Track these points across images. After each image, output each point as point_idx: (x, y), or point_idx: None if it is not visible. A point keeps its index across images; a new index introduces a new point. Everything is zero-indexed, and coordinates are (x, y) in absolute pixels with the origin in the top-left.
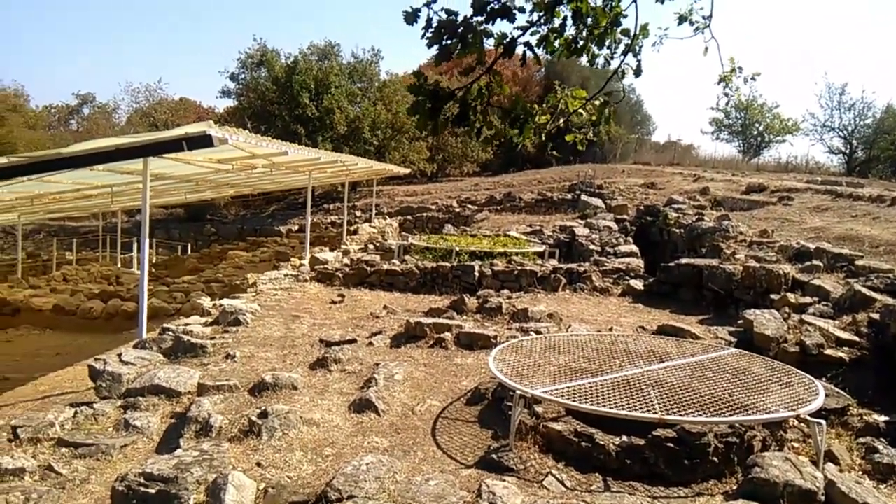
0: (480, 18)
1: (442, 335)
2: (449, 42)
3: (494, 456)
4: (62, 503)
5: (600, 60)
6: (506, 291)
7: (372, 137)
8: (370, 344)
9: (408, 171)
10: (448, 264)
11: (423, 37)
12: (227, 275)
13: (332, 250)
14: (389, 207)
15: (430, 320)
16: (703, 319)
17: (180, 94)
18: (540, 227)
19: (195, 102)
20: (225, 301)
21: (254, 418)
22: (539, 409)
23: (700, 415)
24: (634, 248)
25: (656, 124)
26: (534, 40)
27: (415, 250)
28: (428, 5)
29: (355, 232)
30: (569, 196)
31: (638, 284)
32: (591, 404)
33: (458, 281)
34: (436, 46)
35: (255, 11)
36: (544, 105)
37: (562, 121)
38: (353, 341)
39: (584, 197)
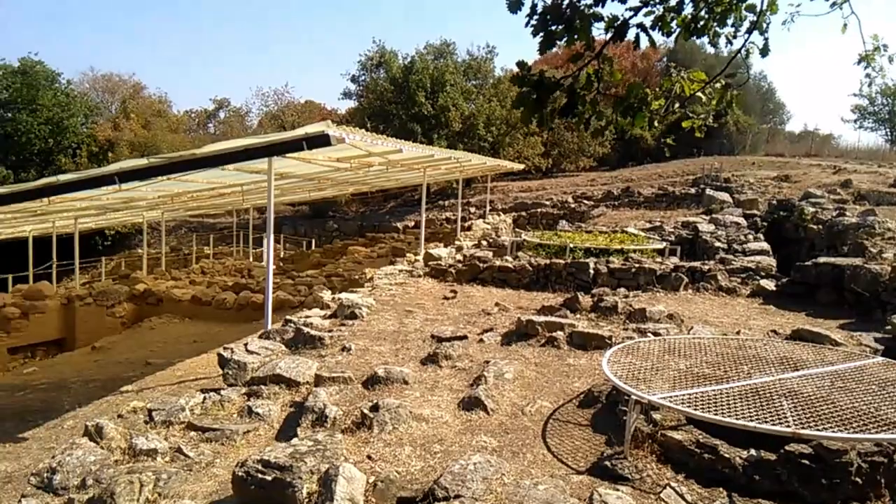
0: (589, 1)
1: (554, 334)
2: (554, 28)
3: (608, 463)
4: (189, 484)
5: (722, 40)
6: (622, 290)
7: (486, 134)
8: (481, 341)
9: (522, 166)
10: (562, 261)
11: (527, 24)
12: (347, 269)
13: (446, 246)
14: (503, 203)
15: (542, 318)
16: (843, 324)
17: (306, 97)
18: (660, 224)
19: (319, 104)
20: (343, 295)
21: (366, 411)
22: (657, 415)
23: (840, 430)
24: (765, 245)
25: (790, 113)
26: (648, 21)
27: (528, 247)
28: None
29: (469, 228)
30: (692, 190)
31: (769, 285)
32: (716, 414)
33: (571, 278)
34: (541, 35)
35: (374, 14)
36: (657, 89)
37: (677, 106)
38: (464, 338)
39: (709, 191)
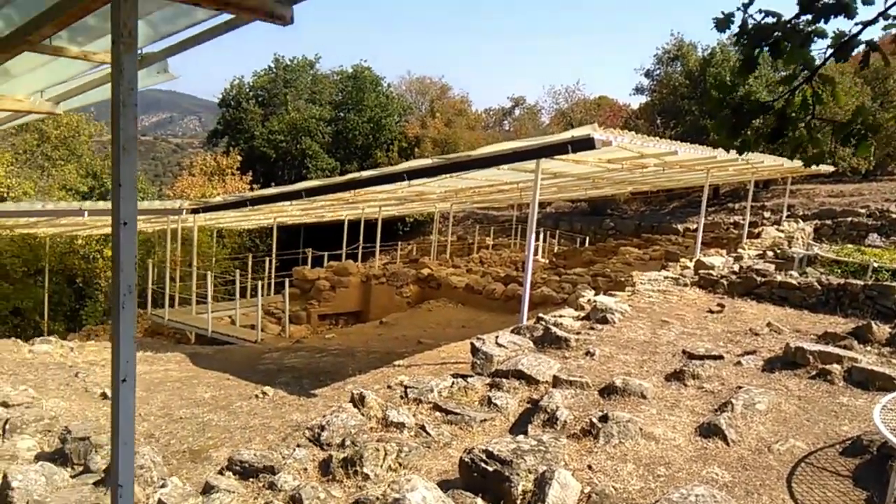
0: (808, 17)
1: (828, 366)
2: (767, 49)
3: None
4: (426, 460)
5: None
6: None
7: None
8: (738, 363)
9: (831, 168)
10: (860, 282)
11: (736, 43)
12: (615, 270)
13: (728, 253)
14: (805, 209)
15: (815, 347)
16: None
17: (599, 92)
18: None
19: (611, 100)
20: (599, 297)
21: (595, 420)
22: None
23: None
24: None
25: None
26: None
27: (821, 262)
28: (743, 8)
29: (758, 235)
30: None
31: None
32: None
33: (870, 303)
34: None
35: (680, 8)
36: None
37: None
38: (720, 357)
39: None
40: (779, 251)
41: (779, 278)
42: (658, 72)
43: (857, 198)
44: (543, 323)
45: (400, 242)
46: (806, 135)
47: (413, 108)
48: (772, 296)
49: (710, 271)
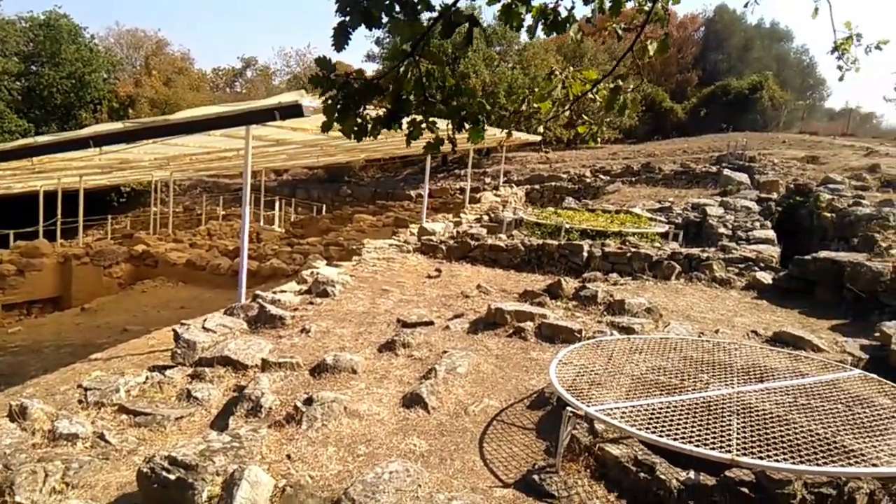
0: None
1: (523, 324)
2: (362, 18)
3: (536, 477)
4: (102, 474)
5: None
6: (614, 275)
7: (507, 103)
8: (446, 328)
9: (538, 138)
10: (555, 242)
11: (336, 13)
12: (347, 238)
13: (454, 217)
14: (520, 175)
15: (511, 307)
16: (835, 326)
17: (334, 59)
18: (671, 204)
19: (347, 66)
20: (321, 269)
21: (298, 404)
22: (599, 426)
23: (787, 458)
24: (771, 233)
25: (831, 89)
26: (485, 10)
27: (526, 225)
28: None
29: (479, 200)
30: (713, 169)
31: (766, 277)
32: (654, 431)
33: (564, 260)
34: (340, 19)
35: None
36: (536, 90)
37: (564, 110)
38: (430, 323)
39: (726, 171)
40: (493, 215)
41: (489, 242)
42: (387, 39)
43: (560, 164)
44: (259, 301)
45: (109, 217)
46: (423, 114)
47: (124, 64)
48: (484, 258)
49: (431, 237)
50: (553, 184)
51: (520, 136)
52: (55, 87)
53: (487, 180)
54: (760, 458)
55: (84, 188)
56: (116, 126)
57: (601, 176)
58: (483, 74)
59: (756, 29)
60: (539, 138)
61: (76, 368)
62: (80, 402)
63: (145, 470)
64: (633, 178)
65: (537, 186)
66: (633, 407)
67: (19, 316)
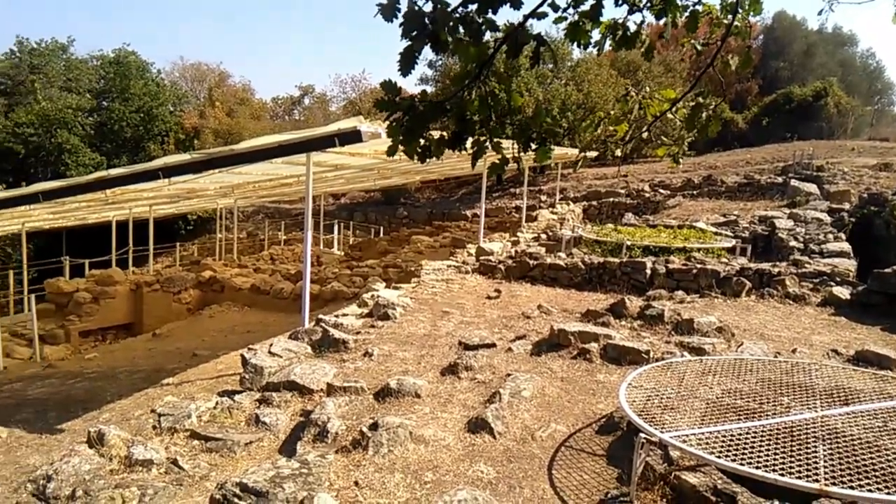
0: (474, 7)
1: (587, 345)
2: (428, 41)
3: None
4: (177, 500)
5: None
6: (680, 293)
7: (562, 119)
8: (509, 350)
9: (594, 153)
10: (616, 260)
11: (404, 35)
12: (406, 260)
13: (512, 236)
14: (576, 192)
15: (575, 327)
16: None
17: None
18: (736, 217)
19: (401, 90)
20: (381, 292)
21: (364, 429)
22: (675, 453)
23: (879, 489)
24: (846, 245)
25: None
26: (552, 29)
27: (585, 242)
28: None
29: (535, 218)
30: (779, 179)
31: (843, 293)
32: (734, 459)
33: (626, 278)
34: (406, 43)
35: None
36: (612, 112)
37: (643, 131)
38: (493, 345)
39: (794, 181)
40: (550, 234)
41: (548, 261)
42: (440, 62)
43: (617, 179)
44: (322, 325)
45: (178, 244)
46: (488, 135)
47: (189, 97)
48: (544, 277)
49: (489, 257)
50: (611, 199)
51: (571, 153)
52: (125, 121)
53: (543, 198)
54: (852, 487)
55: (153, 217)
56: (184, 157)
57: (661, 190)
58: (536, 92)
59: (818, 35)
60: (594, 154)
61: (149, 393)
62: (153, 427)
63: (217, 497)
64: (695, 192)
65: (594, 203)
66: (710, 433)
67: (94, 342)
